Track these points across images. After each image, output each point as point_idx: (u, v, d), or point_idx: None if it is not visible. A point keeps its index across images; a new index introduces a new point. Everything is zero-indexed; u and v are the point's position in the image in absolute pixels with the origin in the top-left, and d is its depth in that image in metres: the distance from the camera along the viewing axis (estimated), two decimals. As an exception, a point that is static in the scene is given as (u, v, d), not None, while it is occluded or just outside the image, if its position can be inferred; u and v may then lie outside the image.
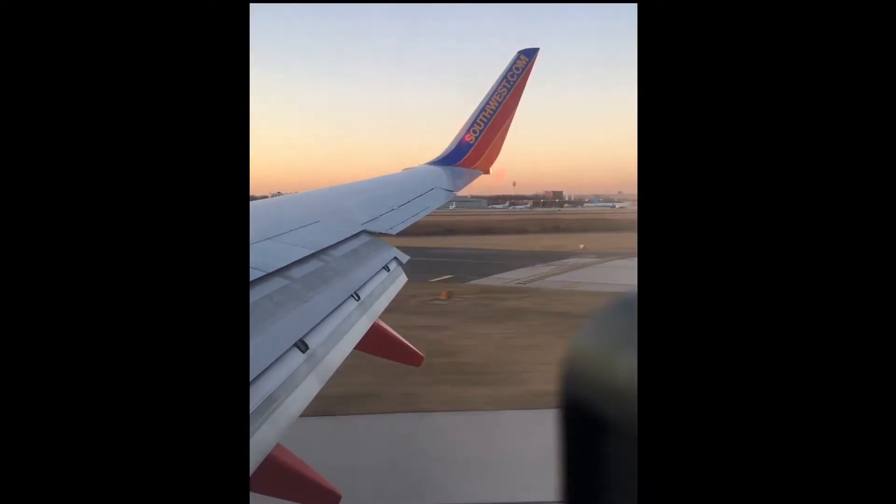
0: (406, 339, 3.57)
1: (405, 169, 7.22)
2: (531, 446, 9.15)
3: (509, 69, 7.39)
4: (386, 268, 3.26)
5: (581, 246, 48.86)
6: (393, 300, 3.16)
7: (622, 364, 0.72)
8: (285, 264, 2.51)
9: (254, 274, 2.21)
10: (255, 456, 1.37)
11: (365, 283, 2.85)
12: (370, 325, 2.58)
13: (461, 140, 7.55)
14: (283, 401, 1.61)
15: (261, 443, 1.42)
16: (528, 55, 7.43)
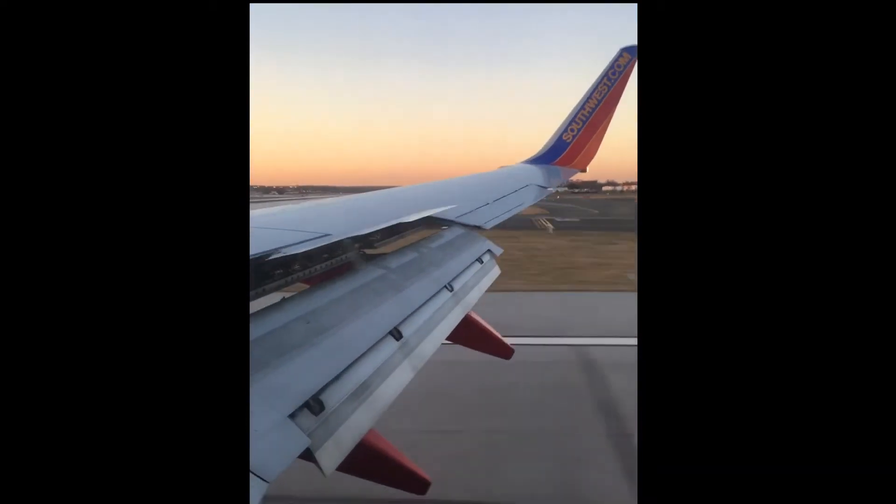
0: None
1: (501, 167, 7.10)
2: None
3: (610, 66, 7.00)
4: (479, 260, 3.28)
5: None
6: None
7: None
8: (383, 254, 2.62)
9: None
10: (350, 440, 1.41)
11: (458, 275, 2.89)
12: (462, 316, 2.59)
13: (559, 138, 7.36)
14: (378, 387, 1.63)
15: (355, 427, 1.45)
16: (631, 53, 6.97)
